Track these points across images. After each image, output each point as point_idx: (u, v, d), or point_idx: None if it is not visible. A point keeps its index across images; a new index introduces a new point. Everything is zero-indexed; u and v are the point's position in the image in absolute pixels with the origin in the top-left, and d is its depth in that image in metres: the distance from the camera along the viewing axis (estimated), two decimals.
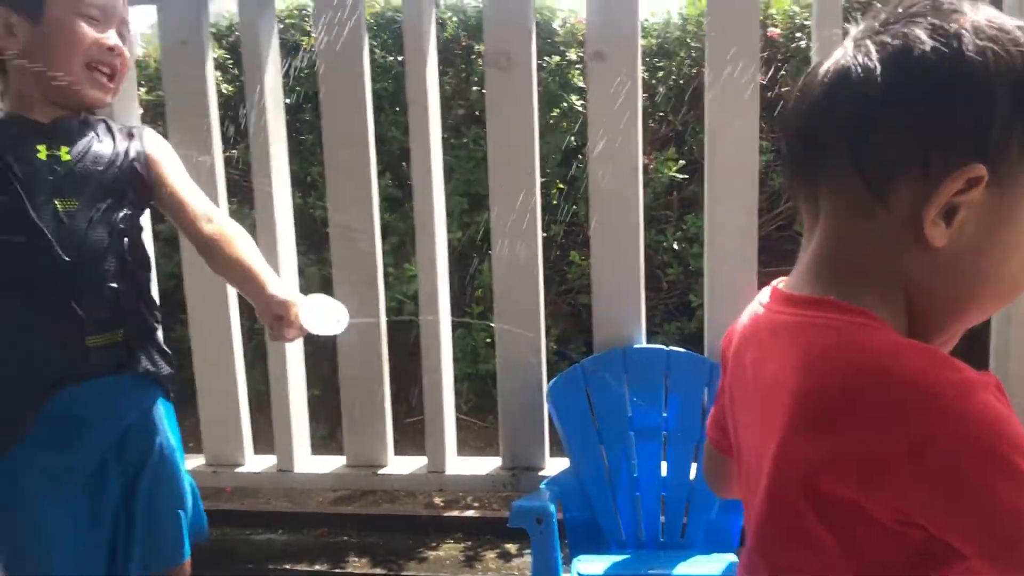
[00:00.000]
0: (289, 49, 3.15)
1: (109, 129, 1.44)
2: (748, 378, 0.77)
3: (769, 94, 2.47)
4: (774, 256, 1.96)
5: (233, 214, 2.65)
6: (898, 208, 0.67)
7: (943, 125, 0.64)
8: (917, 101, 0.65)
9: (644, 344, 2.06)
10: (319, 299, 1.46)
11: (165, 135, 2.31)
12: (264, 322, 1.45)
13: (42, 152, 1.32)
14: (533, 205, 2.04)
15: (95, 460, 1.36)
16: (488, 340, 3.09)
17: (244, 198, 3.05)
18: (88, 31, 1.36)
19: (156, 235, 2.48)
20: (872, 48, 0.67)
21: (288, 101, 2.92)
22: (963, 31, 0.65)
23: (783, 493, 0.67)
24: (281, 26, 2.96)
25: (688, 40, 2.87)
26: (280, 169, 2.21)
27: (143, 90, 2.92)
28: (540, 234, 2.09)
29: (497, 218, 2.07)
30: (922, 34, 0.65)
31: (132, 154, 1.43)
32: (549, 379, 2.11)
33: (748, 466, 0.78)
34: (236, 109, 3.08)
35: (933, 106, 0.65)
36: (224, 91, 3.08)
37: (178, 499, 1.47)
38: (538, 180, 2.05)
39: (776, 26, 2.74)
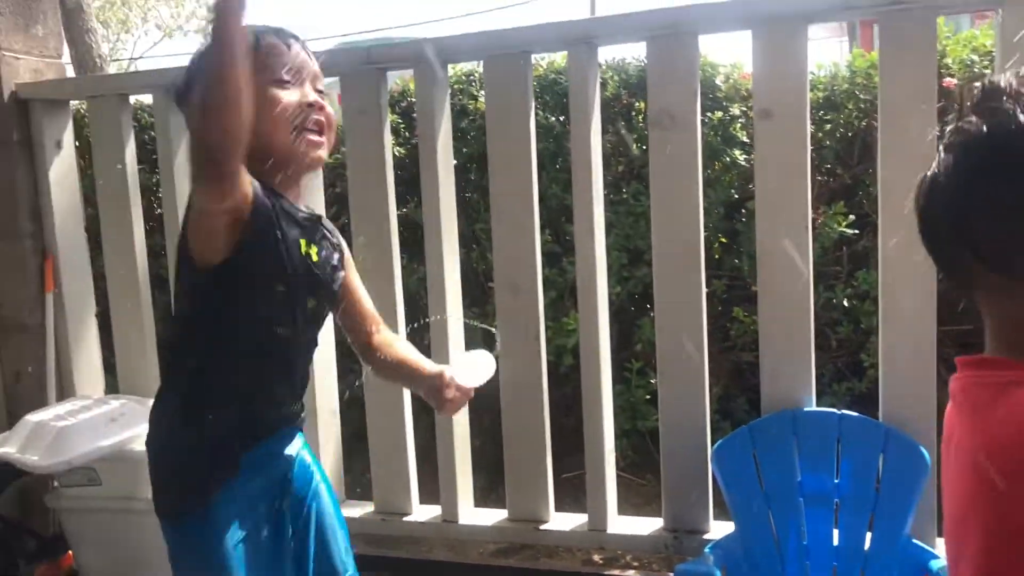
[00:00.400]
0: (457, 112, 3.29)
1: (328, 229, 1.50)
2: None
3: None
4: (956, 313, 1.86)
5: (403, 268, 2.78)
6: None
7: None
8: None
9: (814, 407, 2.00)
10: (463, 355, 1.56)
11: (346, 195, 2.48)
12: (432, 402, 1.55)
13: (303, 248, 1.39)
14: (696, 262, 2.03)
15: (276, 499, 1.45)
16: (648, 397, 3.06)
17: (413, 254, 3.19)
18: (284, 95, 1.36)
19: None
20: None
21: (456, 162, 3.05)
22: None
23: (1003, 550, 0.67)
24: (451, 89, 3.10)
25: (857, 92, 2.79)
26: (449, 226, 2.30)
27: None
28: (703, 290, 2.07)
29: (658, 274, 2.07)
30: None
31: (344, 261, 1.52)
32: (711, 437, 2.08)
33: (949, 531, 0.78)
34: (408, 169, 3.25)
35: None
36: (396, 153, 3.25)
37: (342, 522, 1.56)
38: (701, 237, 2.04)
39: (952, 76, 2.63)
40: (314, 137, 1.38)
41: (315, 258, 1.41)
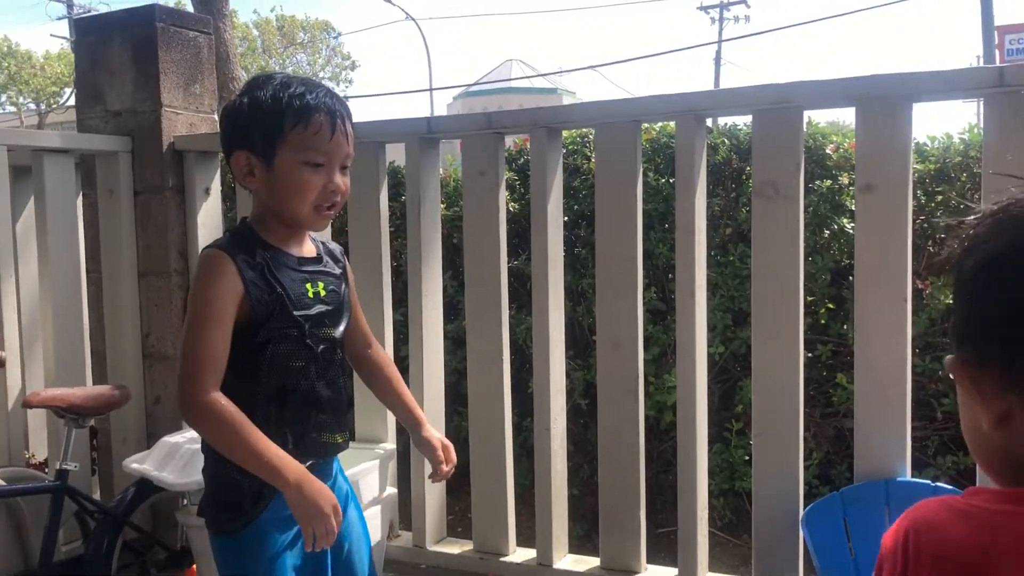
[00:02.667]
0: (571, 171, 3.43)
1: (331, 254, 1.64)
2: None
3: None
4: None
5: (512, 318, 2.91)
6: None
7: None
8: None
9: (908, 477, 2.01)
10: None
11: (461, 248, 2.64)
12: (428, 459, 1.71)
13: (309, 290, 1.53)
14: (795, 328, 2.08)
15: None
16: (747, 457, 3.09)
17: (521, 304, 3.33)
18: (312, 179, 1.48)
19: (446, 335, 2.78)
20: None
21: (566, 218, 3.18)
22: None
23: None
24: (564, 150, 3.24)
25: (970, 164, 2.79)
26: (556, 280, 2.42)
27: (443, 206, 3.31)
28: (802, 354, 2.12)
29: (757, 338, 2.13)
30: None
31: (348, 280, 1.66)
32: (808, 503, 2.10)
33: None
34: (520, 224, 3.40)
35: None
36: (510, 208, 3.41)
37: (368, 545, 1.70)
38: (801, 305, 2.10)
39: None
40: (325, 213, 1.53)
41: (323, 292, 1.55)
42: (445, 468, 1.69)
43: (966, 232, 0.73)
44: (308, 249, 1.59)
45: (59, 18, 26.40)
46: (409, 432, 1.75)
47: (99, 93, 2.90)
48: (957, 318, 0.74)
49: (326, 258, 1.61)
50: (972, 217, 0.74)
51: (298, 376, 1.52)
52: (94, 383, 2.91)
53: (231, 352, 1.46)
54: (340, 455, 1.65)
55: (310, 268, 1.57)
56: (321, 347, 1.55)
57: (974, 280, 0.72)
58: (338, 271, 1.62)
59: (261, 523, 1.51)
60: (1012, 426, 0.71)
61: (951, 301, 2.87)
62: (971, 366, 0.72)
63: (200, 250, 2.81)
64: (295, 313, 1.50)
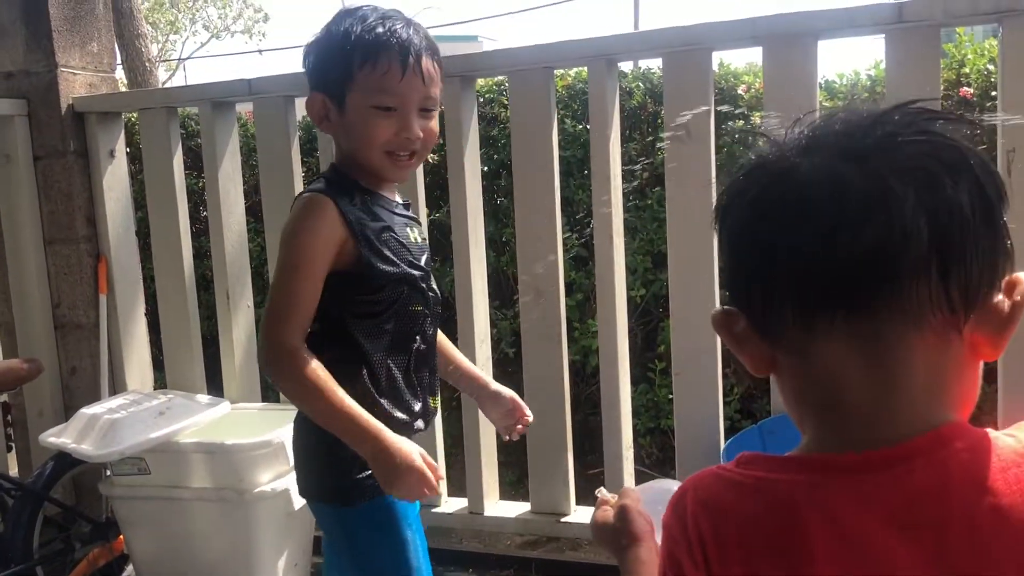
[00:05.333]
0: (489, 120, 3.41)
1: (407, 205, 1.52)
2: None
3: None
4: None
5: (435, 271, 2.90)
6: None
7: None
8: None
9: None
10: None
11: None
12: (500, 425, 1.64)
13: (411, 237, 1.43)
14: (709, 266, 2.12)
15: None
16: (670, 396, 3.16)
17: (445, 257, 3.32)
18: (383, 124, 1.35)
19: None
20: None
21: (485, 168, 3.16)
22: None
23: None
24: (480, 100, 3.22)
25: (876, 100, 2.86)
26: (476, 231, 2.41)
27: None
28: (718, 293, 2.16)
29: (674, 279, 2.17)
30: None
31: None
32: (729, 437, 2.16)
33: None
34: (439, 175, 3.37)
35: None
36: (430, 160, 3.38)
37: None
38: (715, 243, 2.13)
39: (970, 85, 2.68)
40: (402, 162, 1.40)
41: (420, 239, 1.47)
42: (528, 419, 1.61)
43: (728, 183, 0.74)
44: (396, 196, 1.48)
45: None
46: (475, 395, 1.64)
47: None
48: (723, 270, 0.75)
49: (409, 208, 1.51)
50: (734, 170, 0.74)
51: (417, 328, 1.43)
52: (4, 357, 2.81)
53: (342, 305, 1.36)
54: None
55: (405, 213, 1.46)
56: (431, 295, 1.46)
57: (728, 231, 0.73)
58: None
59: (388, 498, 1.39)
60: (778, 374, 0.74)
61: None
62: (732, 315, 0.74)
63: (108, 215, 2.74)
64: (409, 257, 1.40)
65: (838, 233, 0.65)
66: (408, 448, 1.31)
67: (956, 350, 0.69)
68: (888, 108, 0.70)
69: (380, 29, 1.34)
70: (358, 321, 1.38)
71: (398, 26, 1.35)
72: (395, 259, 1.39)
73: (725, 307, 0.75)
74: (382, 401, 1.39)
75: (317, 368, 1.30)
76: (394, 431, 1.33)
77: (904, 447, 0.67)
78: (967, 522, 0.65)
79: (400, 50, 1.34)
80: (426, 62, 1.36)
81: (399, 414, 1.41)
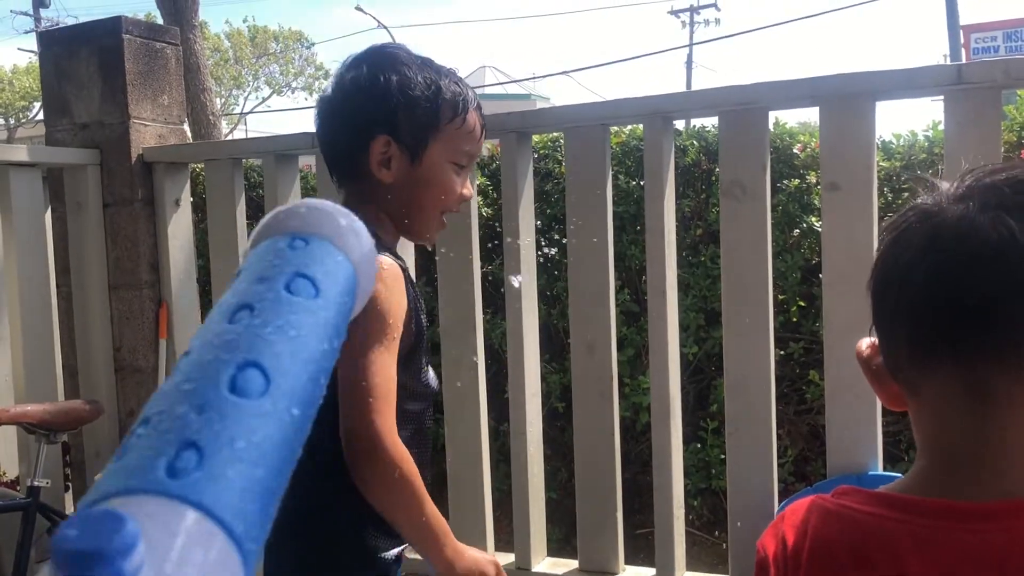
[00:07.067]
0: (543, 175, 3.45)
1: None
2: None
3: None
4: None
5: (487, 323, 2.92)
6: None
7: None
8: None
9: (880, 471, 2.03)
10: None
11: (434, 254, 2.64)
12: None
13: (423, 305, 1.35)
14: (765, 326, 2.10)
15: None
16: (722, 456, 3.11)
17: (496, 310, 3.34)
18: (455, 182, 1.30)
19: None
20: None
21: (539, 223, 3.19)
22: None
23: None
24: (536, 155, 3.26)
25: (934, 161, 2.83)
26: (529, 284, 2.42)
27: None
28: (772, 352, 2.14)
29: (728, 338, 2.15)
30: None
31: None
32: (783, 499, 2.12)
33: None
34: (492, 228, 3.41)
35: None
36: (483, 213, 3.42)
37: None
38: (770, 303, 2.12)
39: None
40: (444, 221, 1.35)
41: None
42: None
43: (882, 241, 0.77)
44: None
45: (27, 32, 26.21)
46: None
47: (66, 106, 2.89)
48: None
49: None
50: (886, 226, 0.77)
51: (427, 409, 1.34)
52: (66, 398, 2.89)
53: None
54: None
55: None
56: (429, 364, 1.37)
57: (876, 263, 0.77)
58: None
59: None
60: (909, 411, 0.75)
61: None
62: (874, 349, 0.77)
63: (171, 262, 2.82)
64: (425, 334, 1.32)
65: (953, 276, 0.65)
66: (485, 559, 1.27)
67: None
68: None
69: (459, 85, 1.30)
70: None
71: (464, 84, 1.33)
72: (424, 337, 1.33)
73: (873, 340, 0.77)
74: (367, 528, 1.28)
75: (415, 467, 1.18)
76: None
77: (989, 507, 0.66)
78: None
79: (478, 108, 1.32)
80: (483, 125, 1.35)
81: (383, 543, 1.30)
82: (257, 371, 0.36)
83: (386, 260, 1.22)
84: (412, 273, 1.62)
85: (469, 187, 1.34)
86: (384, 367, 1.16)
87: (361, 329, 1.15)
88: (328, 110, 1.32)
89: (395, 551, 1.29)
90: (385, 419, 1.14)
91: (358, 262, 0.47)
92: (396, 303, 1.20)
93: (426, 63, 1.31)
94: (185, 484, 0.31)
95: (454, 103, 1.28)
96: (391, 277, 1.20)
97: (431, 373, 1.35)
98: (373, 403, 1.14)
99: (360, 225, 0.51)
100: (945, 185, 0.73)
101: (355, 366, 1.15)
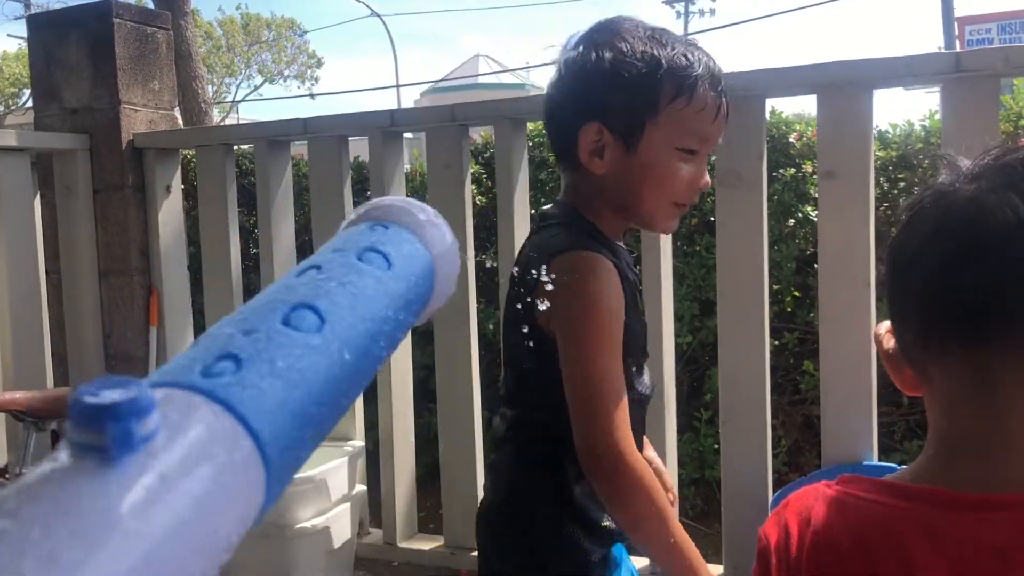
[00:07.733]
0: (537, 164, 3.42)
1: None
2: None
3: None
4: None
5: (480, 313, 2.90)
6: None
7: None
8: None
9: (875, 461, 2.02)
10: None
11: None
12: None
13: (638, 299, 1.24)
14: (760, 316, 2.09)
15: None
16: (716, 446, 3.10)
17: (490, 299, 3.32)
18: (682, 170, 1.12)
19: (414, 330, 2.76)
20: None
21: (534, 211, 3.17)
22: None
23: None
24: (531, 143, 3.23)
25: (931, 150, 2.82)
26: None
27: None
28: (767, 342, 2.13)
29: (723, 327, 2.14)
30: None
31: None
32: (777, 489, 2.11)
33: None
34: (489, 217, 3.38)
35: None
36: (478, 202, 3.40)
37: None
38: (766, 293, 2.11)
39: None
40: (679, 212, 1.19)
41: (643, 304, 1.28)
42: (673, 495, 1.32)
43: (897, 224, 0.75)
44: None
45: (16, 18, 26.01)
46: None
47: (55, 90, 2.85)
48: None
49: None
50: (901, 209, 0.75)
51: (642, 419, 1.22)
52: (55, 385, 2.86)
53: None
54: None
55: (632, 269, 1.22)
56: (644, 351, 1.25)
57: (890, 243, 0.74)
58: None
59: None
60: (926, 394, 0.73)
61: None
62: (890, 332, 0.75)
63: (161, 248, 2.79)
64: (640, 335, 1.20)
65: (962, 257, 0.64)
66: None
67: None
68: None
69: (691, 56, 1.12)
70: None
71: (703, 54, 1.14)
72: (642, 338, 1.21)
73: (890, 322, 0.75)
74: (574, 528, 1.16)
75: (657, 483, 1.08)
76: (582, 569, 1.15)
77: (996, 497, 0.65)
78: None
79: (713, 84, 1.13)
80: (726, 101, 1.17)
81: (589, 545, 1.17)
82: (312, 312, 0.35)
83: (579, 253, 1.11)
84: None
85: (706, 175, 1.16)
86: (612, 372, 1.08)
87: (580, 331, 1.09)
88: (548, 96, 1.21)
89: (600, 552, 1.19)
90: (624, 433, 1.06)
91: (437, 257, 0.47)
92: (604, 298, 1.10)
93: (654, 35, 1.14)
94: (216, 384, 0.30)
95: (678, 80, 1.10)
96: (587, 268, 1.10)
97: (645, 377, 1.24)
98: (609, 416, 1.06)
99: (442, 222, 0.50)
100: (966, 163, 0.71)
101: (583, 376, 1.08)
